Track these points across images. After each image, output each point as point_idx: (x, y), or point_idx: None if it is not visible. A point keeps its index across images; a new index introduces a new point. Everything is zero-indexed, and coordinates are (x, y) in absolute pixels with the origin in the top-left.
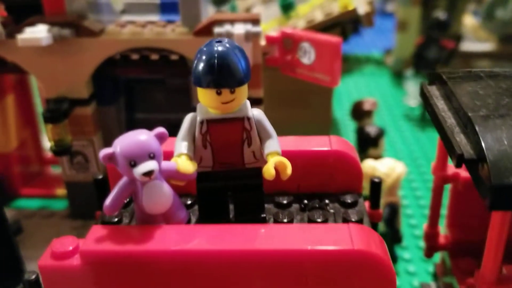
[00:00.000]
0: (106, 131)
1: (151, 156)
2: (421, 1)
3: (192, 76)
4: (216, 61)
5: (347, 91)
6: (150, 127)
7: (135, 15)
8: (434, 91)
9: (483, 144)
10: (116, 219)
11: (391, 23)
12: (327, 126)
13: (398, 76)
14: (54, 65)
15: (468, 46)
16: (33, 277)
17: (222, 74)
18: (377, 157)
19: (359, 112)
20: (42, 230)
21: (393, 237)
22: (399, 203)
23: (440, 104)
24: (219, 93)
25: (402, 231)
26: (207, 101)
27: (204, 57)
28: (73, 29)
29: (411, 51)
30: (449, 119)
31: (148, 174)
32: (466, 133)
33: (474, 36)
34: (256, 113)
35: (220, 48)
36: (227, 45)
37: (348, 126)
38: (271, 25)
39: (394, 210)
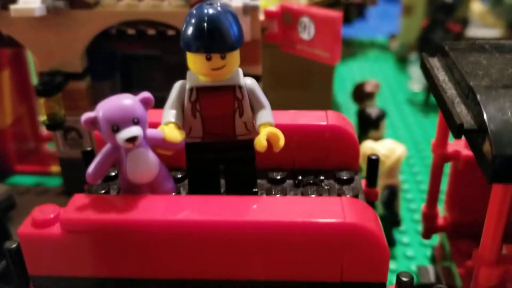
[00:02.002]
0: None
1: (135, 122)
2: None
3: (181, 41)
4: (206, 24)
5: (351, 75)
6: None
7: None
8: (435, 62)
9: (484, 114)
10: (103, 191)
11: (396, 8)
12: (328, 108)
13: (402, 61)
14: (48, 38)
15: (474, 31)
16: (14, 245)
17: (212, 38)
18: (377, 139)
19: (360, 94)
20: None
21: (391, 220)
22: (398, 186)
23: (441, 76)
24: (209, 59)
25: (401, 215)
26: (196, 67)
27: (193, 20)
28: (67, 1)
29: (416, 36)
30: (450, 90)
31: (132, 140)
32: (467, 103)
33: (481, 22)
34: (249, 82)
35: (210, 11)
36: (219, 8)
37: (351, 110)
38: (272, 1)
39: (393, 192)
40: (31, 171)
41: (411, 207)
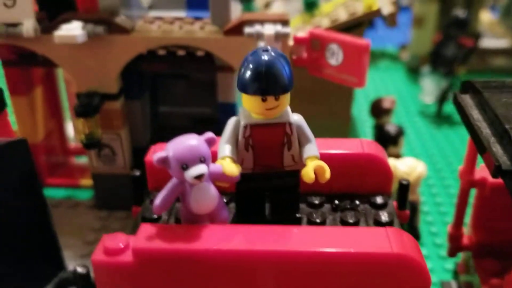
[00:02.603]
0: (132, 124)
1: (202, 160)
2: None
3: (238, 83)
4: (263, 69)
5: None
6: (173, 121)
7: (162, 11)
8: (467, 100)
9: None
10: (155, 216)
11: (407, 17)
12: (347, 123)
13: (413, 72)
14: (86, 61)
15: (485, 42)
16: (85, 271)
17: (268, 82)
18: (396, 155)
19: (378, 110)
20: (69, 219)
21: (412, 234)
22: (419, 202)
23: (475, 114)
24: (264, 100)
25: (420, 228)
26: (252, 107)
27: (251, 66)
28: (105, 26)
29: (427, 48)
30: (485, 130)
31: (199, 177)
32: (502, 144)
33: (491, 32)
34: (297, 117)
35: (266, 57)
36: (273, 54)
37: (365, 122)
38: (294, 22)
39: (414, 208)
40: (61, 184)
41: (428, 219)
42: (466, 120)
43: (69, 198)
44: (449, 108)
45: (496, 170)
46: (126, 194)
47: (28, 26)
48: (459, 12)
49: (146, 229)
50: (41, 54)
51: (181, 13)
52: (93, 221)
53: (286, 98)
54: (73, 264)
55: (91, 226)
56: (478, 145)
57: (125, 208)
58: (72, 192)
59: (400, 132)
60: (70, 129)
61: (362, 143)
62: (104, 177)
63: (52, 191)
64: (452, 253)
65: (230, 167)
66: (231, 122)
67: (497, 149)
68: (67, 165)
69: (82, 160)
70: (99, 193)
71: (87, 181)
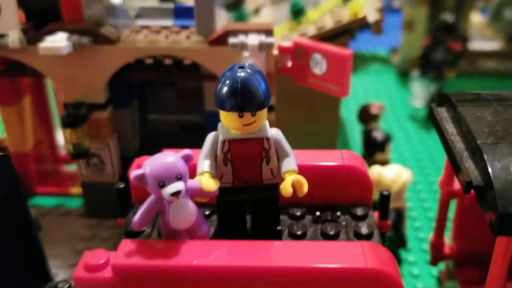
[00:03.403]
0: (120, 133)
1: (179, 177)
2: (429, 0)
3: (215, 100)
4: (239, 86)
5: (353, 89)
6: (162, 128)
7: (149, 20)
8: (443, 113)
9: (490, 172)
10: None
11: (398, 19)
12: (335, 128)
13: (404, 75)
14: (73, 71)
15: (474, 45)
16: (66, 286)
17: (244, 99)
18: (383, 161)
19: (366, 116)
20: (60, 227)
21: (398, 241)
22: (404, 208)
23: (450, 128)
24: (241, 116)
25: (406, 234)
26: (229, 123)
27: (227, 82)
28: (91, 37)
29: (417, 51)
30: (458, 144)
31: (176, 194)
32: (474, 159)
33: (481, 35)
34: (274, 132)
35: (242, 74)
36: (249, 71)
37: (354, 127)
38: (281, 30)
39: (400, 215)
40: (51, 192)
41: (416, 225)
42: (441, 134)
43: (59, 207)
44: None
45: (467, 186)
46: (115, 202)
47: (14, 37)
48: (447, 17)
49: (127, 245)
50: (29, 65)
51: (168, 22)
52: (83, 229)
53: (263, 113)
54: (62, 273)
55: (81, 235)
56: (452, 160)
57: (115, 216)
58: (63, 200)
59: (387, 139)
60: (60, 137)
61: (343, 154)
62: (93, 186)
63: (42, 199)
64: (434, 261)
65: (208, 183)
66: (209, 137)
67: (469, 164)
68: (57, 173)
69: (73, 167)
70: (88, 202)
71: (77, 189)
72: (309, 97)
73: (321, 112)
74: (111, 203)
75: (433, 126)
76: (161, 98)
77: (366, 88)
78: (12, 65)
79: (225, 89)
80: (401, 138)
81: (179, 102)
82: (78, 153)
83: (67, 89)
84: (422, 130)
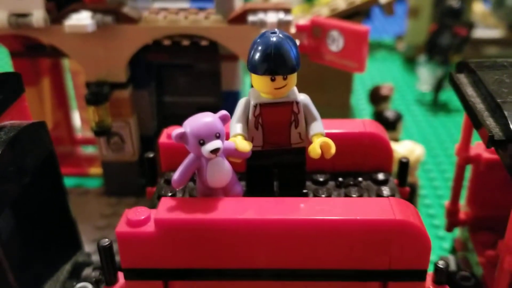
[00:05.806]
0: (140, 113)
1: (217, 136)
2: None
3: (248, 65)
4: (272, 50)
5: (360, 76)
6: (178, 110)
7: (166, 2)
8: (462, 79)
9: (511, 127)
10: (170, 194)
11: (402, 7)
12: (346, 112)
13: (410, 61)
14: (95, 51)
15: (477, 32)
16: (107, 243)
17: (277, 63)
18: (394, 139)
19: (376, 97)
20: (80, 206)
21: None
22: (417, 184)
23: (469, 91)
24: (273, 80)
25: (418, 210)
26: (261, 87)
27: (260, 47)
28: (114, 16)
29: (423, 38)
30: (479, 105)
31: (215, 151)
32: (495, 117)
33: (483, 23)
34: (303, 97)
35: (275, 39)
36: (281, 36)
37: (363, 111)
38: (294, 12)
39: (412, 190)
40: (70, 173)
41: (426, 202)
42: (462, 97)
43: (79, 187)
44: (445, 96)
45: (490, 141)
46: (134, 180)
47: (38, 16)
48: (453, 2)
49: (166, 202)
50: (50, 45)
51: (185, 4)
52: (103, 207)
53: (294, 78)
54: (86, 247)
55: (101, 212)
56: (473, 119)
57: (134, 194)
58: (81, 180)
59: (398, 118)
60: (77, 119)
61: (364, 123)
62: (113, 165)
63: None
64: (449, 228)
65: (242, 144)
66: (241, 102)
67: (490, 122)
68: (74, 155)
69: (90, 150)
70: (108, 181)
71: (95, 170)
72: (320, 81)
73: (332, 96)
74: (130, 181)
75: (454, 91)
76: (177, 81)
77: (373, 75)
78: (31, 46)
79: (258, 54)
80: (409, 121)
81: (195, 84)
82: (100, 130)
83: (89, 69)
84: (429, 114)
